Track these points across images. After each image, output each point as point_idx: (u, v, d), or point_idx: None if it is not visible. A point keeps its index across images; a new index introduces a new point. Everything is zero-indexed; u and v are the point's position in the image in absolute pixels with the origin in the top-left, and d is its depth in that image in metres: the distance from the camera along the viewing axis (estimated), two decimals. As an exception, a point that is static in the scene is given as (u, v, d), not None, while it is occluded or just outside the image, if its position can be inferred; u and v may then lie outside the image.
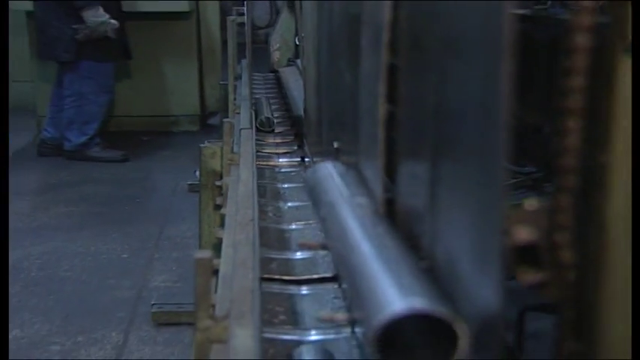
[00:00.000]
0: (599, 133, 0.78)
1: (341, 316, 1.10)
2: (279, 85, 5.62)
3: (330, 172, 1.78)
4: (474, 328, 0.84)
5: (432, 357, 0.88)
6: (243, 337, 1.47)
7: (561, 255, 0.78)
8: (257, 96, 4.66)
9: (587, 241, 0.81)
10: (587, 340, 0.81)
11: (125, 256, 4.51)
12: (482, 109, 0.83)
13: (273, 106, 4.86)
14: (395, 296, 0.92)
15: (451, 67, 1.00)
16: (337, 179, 1.69)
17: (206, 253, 1.64)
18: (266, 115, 4.02)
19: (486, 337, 0.81)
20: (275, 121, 4.03)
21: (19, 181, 5.99)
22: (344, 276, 1.20)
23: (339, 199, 1.56)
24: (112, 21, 6.13)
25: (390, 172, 1.41)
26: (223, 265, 1.97)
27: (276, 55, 6.42)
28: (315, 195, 1.81)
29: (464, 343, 0.83)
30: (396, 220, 1.34)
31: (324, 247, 1.44)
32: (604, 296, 0.80)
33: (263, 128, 3.88)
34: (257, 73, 6.08)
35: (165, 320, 3.53)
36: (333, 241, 1.39)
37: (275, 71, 6.22)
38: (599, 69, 0.78)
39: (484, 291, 0.81)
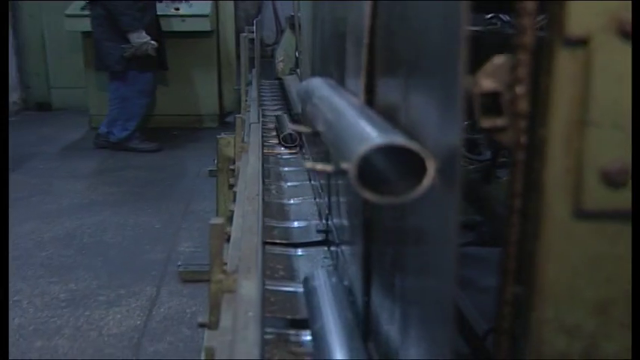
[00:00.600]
0: (539, 112, 0.75)
1: (324, 166, 1.06)
2: (282, 89, 5.62)
3: (321, 81, 1.75)
4: (439, 161, 0.81)
5: (402, 187, 0.84)
6: (249, 288, 1.45)
7: (519, 104, 0.76)
8: (278, 112, 4.49)
9: (528, 206, 0.79)
10: (526, 283, 0.78)
11: (158, 226, 4.50)
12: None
13: (277, 106, 4.84)
14: (375, 135, 0.88)
15: (417, 59, 0.97)
16: (328, 85, 1.66)
17: (219, 220, 1.62)
18: (288, 131, 3.69)
19: (448, 168, 0.79)
20: (298, 137, 3.67)
21: (75, 166, 6.01)
22: (331, 136, 1.15)
23: (331, 92, 1.53)
24: (152, 42, 6.14)
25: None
26: (234, 231, 1.95)
27: (280, 66, 6.43)
28: (306, 96, 1.77)
29: (431, 172, 0.79)
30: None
31: (315, 133, 1.38)
32: (541, 249, 0.77)
33: (287, 144, 3.60)
34: (265, 80, 6.09)
35: (190, 278, 3.53)
36: (323, 115, 1.34)
37: (279, 79, 6.23)
38: (540, 61, 0.76)
39: (447, 135, 0.80)
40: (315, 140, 2.69)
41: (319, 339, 1.54)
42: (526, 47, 0.75)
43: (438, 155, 0.81)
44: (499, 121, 0.78)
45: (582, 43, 0.71)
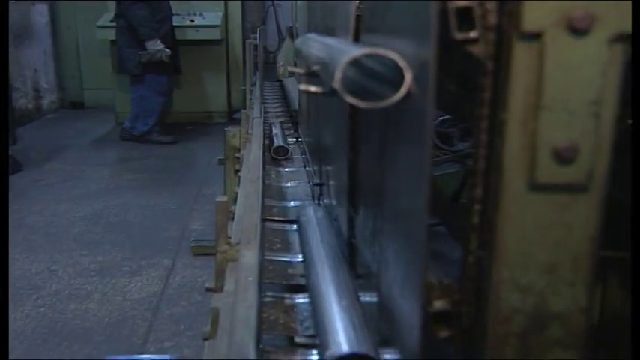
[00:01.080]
0: (500, 98, 0.75)
1: (316, 87, 1.02)
2: (282, 89, 5.60)
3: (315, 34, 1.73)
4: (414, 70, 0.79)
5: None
6: (249, 257, 1.44)
7: (489, 18, 0.75)
8: (271, 121, 3.89)
9: (489, 178, 0.78)
10: (487, 248, 0.78)
11: (173, 208, 4.49)
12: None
13: (277, 104, 4.81)
14: (357, 51, 0.85)
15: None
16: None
17: (224, 198, 1.61)
18: (280, 143, 3.12)
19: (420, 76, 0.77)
20: (289, 149, 3.09)
21: (103, 156, 6.01)
22: (323, 63, 1.13)
23: (323, 37, 1.51)
24: (166, 50, 6.17)
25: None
26: (238, 209, 1.94)
27: (280, 69, 6.41)
28: (303, 43, 1.75)
29: (408, 79, 0.77)
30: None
31: (309, 73, 1.36)
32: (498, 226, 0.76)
33: (278, 156, 3.04)
34: (267, 82, 6.08)
35: (201, 251, 3.49)
36: (317, 50, 1.31)
37: (280, 80, 6.21)
38: (500, 53, 0.75)
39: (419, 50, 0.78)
40: (305, 124, 2.66)
41: (308, 259, 1.54)
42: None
43: (415, 66, 0.79)
44: (472, 34, 0.77)
45: (536, 37, 0.71)
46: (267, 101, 4.92)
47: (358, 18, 1.32)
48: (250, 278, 1.32)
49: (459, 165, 2.99)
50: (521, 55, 0.72)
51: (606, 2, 0.69)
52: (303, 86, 1.10)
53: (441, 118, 3.11)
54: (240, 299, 1.21)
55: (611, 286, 1.38)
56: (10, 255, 3.63)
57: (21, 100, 7.28)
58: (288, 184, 2.66)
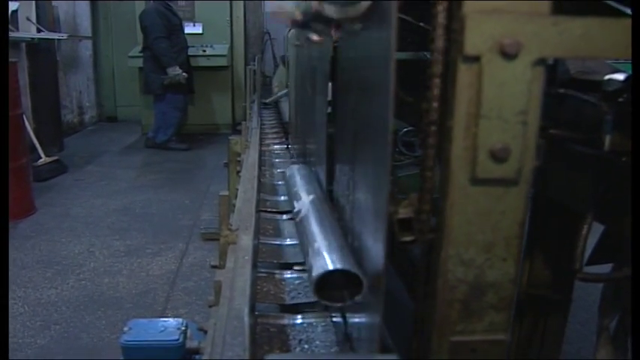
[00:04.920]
0: (448, 109, 0.74)
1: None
2: (276, 106, 5.57)
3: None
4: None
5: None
6: (246, 240, 1.43)
7: (424, 227, 0.79)
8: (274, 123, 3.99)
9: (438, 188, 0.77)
10: (438, 231, 0.77)
11: (187, 202, 4.47)
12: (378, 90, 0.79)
13: (272, 117, 4.78)
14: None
15: (363, 85, 0.95)
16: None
17: (226, 193, 1.59)
18: None
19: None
20: None
21: (131, 160, 5.97)
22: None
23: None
24: (184, 74, 6.20)
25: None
26: (238, 202, 1.92)
27: (275, 90, 6.40)
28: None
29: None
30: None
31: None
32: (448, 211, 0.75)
33: None
34: (264, 100, 6.06)
35: (209, 237, 3.48)
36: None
37: (274, 99, 6.21)
38: (448, 72, 0.74)
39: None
40: (294, 135, 2.64)
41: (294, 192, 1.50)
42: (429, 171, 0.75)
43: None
44: (410, 237, 0.81)
45: (476, 59, 0.70)
46: (264, 115, 4.89)
47: (335, 49, 1.30)
48: (246, 257, 1.30)
49: (419, 167, 2.97)
50: (464, 74, 0.71)
51: (530, 32, 0.69)
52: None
53: (405, 130, 3.10)
54: (238, 274, 1.20)
55: (536, 262, 1.38)
56: (57, 239, 3.61)
57: (68, 116, 7.25)
58: (280, 182, 2.63)
